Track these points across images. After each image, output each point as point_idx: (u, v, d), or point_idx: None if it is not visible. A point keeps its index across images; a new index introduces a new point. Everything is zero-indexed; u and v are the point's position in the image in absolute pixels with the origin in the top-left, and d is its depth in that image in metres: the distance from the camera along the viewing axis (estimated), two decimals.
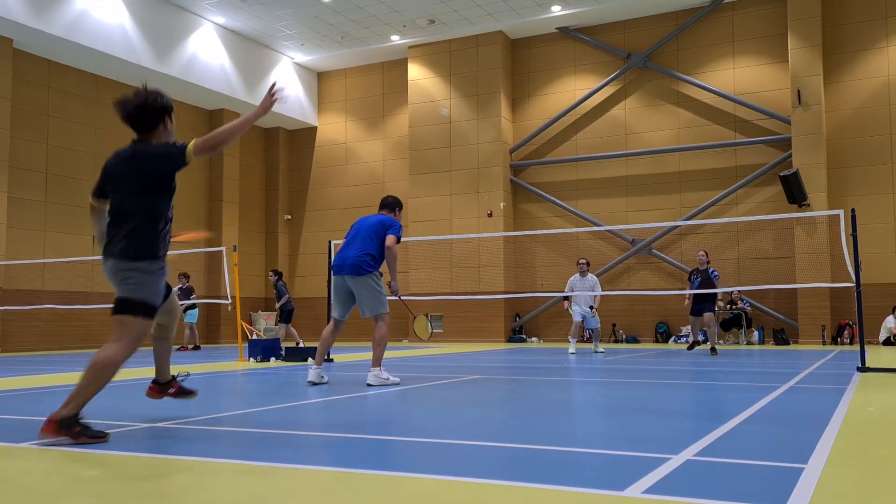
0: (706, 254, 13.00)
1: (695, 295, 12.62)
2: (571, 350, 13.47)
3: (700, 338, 14.64)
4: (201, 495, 2.76)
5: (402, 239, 7.47)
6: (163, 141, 4.33)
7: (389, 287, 7.39)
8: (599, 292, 13.54)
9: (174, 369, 5.00)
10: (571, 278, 13.75)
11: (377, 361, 7.13)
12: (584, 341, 18.24)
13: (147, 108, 4.28)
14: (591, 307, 13.50)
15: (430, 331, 8.47)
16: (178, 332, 18.24)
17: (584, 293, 13.41)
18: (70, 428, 3.83)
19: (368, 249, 7.15)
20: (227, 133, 4.16)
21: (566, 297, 13.85)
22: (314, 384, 7.14)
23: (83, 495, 2.76)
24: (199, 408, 5.54)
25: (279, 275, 15.67)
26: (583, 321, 13.59)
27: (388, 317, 7.20)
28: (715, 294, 13.03)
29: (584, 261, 13.60)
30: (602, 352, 13.71)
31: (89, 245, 17.98)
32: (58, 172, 17.50)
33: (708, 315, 12.61)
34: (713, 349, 12.64)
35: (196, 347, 16.94)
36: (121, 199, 4.26)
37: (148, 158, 4.25)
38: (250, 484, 2.93)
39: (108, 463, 3.36)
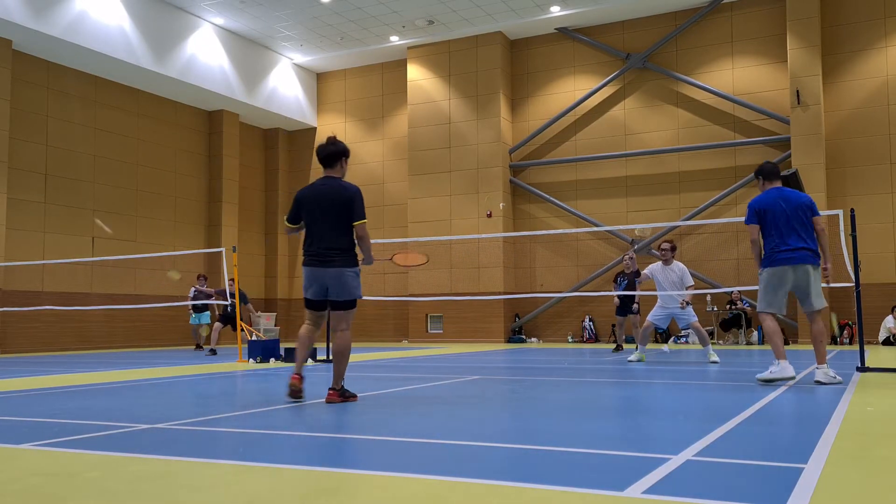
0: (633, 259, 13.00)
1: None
2: (635, 358, 10.77)
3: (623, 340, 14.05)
4: (201, 495, 2.76)
5: (403, 239, 7.58)
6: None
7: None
8: (690, 282, 10.75)
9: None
10: (652, 266, 10.99)
11: (821, 358, 6.91)
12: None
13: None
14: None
15: None
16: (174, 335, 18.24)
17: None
18: (344, 395, 5.64)
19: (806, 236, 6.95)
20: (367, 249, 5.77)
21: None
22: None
23: (84, 496, 2.76)
24: (198, 408, 5.54)
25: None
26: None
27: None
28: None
29: (667, 245, 10.82)
30: (716, 361, 10.24)
31: (88, 246, 17.99)
32: (57, 174, 17.50)
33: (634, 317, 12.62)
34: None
35: (200, 347, 16.79)
36: None
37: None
38: (250, 484, 2.93)
39: (109, 463, 3.36)
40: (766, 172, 7.17)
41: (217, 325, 14.83)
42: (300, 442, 3.99)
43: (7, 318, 15.94)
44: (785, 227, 6.87)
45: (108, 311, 17.68)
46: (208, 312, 16.73)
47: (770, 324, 7.07)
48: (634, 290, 12.33)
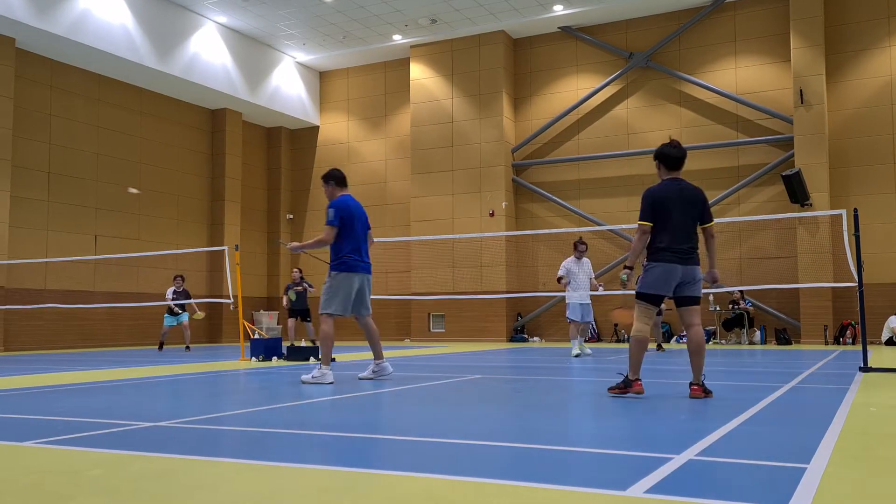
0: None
1: None
2: (576, 352, 12.01)
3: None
4: (202, 495, 2.77)
5: (404, 238, 7.61)
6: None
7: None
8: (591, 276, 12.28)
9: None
10: (567, 262, 12.21)
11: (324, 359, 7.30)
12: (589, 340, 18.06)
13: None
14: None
15: None
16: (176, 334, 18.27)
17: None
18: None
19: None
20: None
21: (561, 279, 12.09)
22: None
23: (85, 495, 2.76)
24: (199, 407, 5.55)
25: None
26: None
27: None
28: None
29: (584, 246, 12.20)
30: (589, 353, 12.28)
31: (91, 244, 18.01)
32: (61, 172, 17.52)
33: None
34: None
35: (187, 348, 16.93)
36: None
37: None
38: (251, 484, 2.93)
39: (110, 463, 3.37)
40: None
41: (290, 321, 15.05)
42: (301, 441, 3.99)
43: (10, 316, 15.96)
44: None
45: (110, 309, 17.70)
46: (187, 314, 16.48)
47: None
48: None
